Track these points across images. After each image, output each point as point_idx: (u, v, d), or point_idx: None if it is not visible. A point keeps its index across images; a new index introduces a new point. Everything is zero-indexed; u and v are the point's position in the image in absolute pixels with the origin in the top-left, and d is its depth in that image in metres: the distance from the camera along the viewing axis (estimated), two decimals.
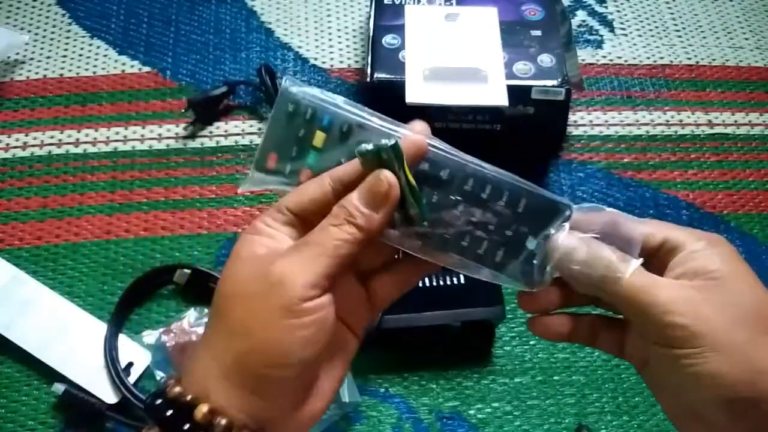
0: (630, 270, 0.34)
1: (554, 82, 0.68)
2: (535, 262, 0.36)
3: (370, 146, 0.33)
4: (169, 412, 0.32)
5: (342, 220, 0.33)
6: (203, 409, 0.32)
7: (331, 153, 0.36)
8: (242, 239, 0.35)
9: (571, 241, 0.35)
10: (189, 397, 0.32)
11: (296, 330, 0.32)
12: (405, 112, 0.67)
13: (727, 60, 0.81)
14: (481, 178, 0.37)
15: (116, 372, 0.58)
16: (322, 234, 0.34)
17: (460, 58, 0.69)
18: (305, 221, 0.35)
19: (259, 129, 0.74)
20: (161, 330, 0.60)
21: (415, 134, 0.35)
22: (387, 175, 0.34)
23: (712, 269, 0.34)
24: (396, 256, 0.38)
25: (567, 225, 0.36)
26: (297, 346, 0.32)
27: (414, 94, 0.66)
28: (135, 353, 0.60)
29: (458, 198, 0.36)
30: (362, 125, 0.36)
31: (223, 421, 0.32)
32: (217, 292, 0.35)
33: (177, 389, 0.33)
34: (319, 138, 0.36)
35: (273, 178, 0.37)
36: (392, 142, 0.33)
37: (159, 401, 0.33)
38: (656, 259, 0.36)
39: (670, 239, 0.35)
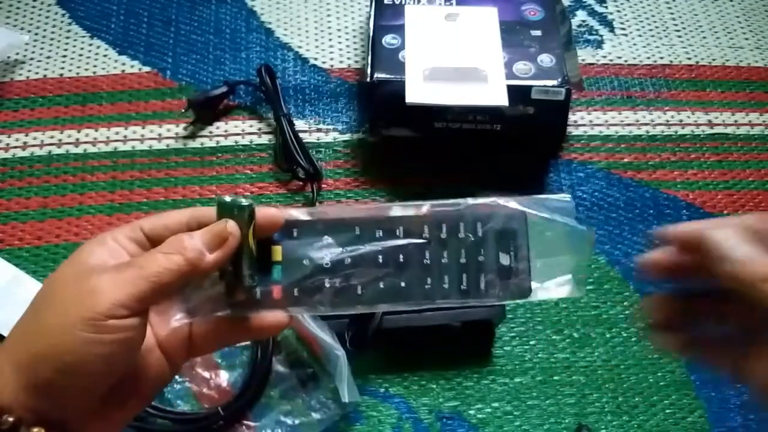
0: None
1: (554, 82, 0.68)
2: (515, 276, 0.37)
3: (228, 198, 0.36)
4: None
5: (172, 250, 0.34)
6: (7, 418, 0.32)
7: (293, 259, 0.37)
8: (83, 245, 0.36)
9: (732, 236, 0.35)
10: None
11: (94, 345, 0.32)
12: (405, 112, 0.68)
13: (727, 60, 0.81)
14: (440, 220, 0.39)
15: None
16: (148, 259, 0.34)
17: (460, 58, 0.69)
18: (153, 244, 0.36)
19: (259, 129, 0.74)
20: None
21: (274, 209, 0.37)
22: (232, 225, 0.35)
23: None
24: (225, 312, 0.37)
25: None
26: (92, 360, 0.32)
27: (414, 94, 0.66)
28: None
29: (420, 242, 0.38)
30: (308, 222, 0.38)
31: (11, 419, 0.32)
32: (41, 286, 0.36)
33: None
34: (277, 253, 0.37)
35: (246, 311, 0.37)
36: (248, 203, 0.36)
37: None
38: None
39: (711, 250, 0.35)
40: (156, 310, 0.37)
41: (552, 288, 0.38)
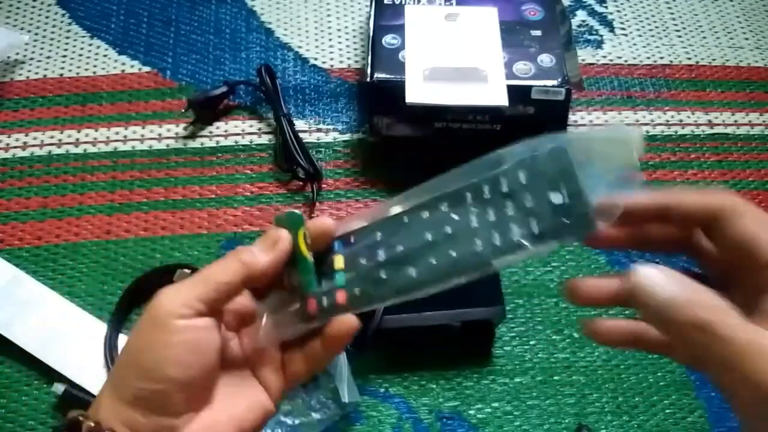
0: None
1: (554, 82, 0.68)
2: (571, 212, 0.34)
3: (281, 213, 0.38)
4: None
5: (231, 257, 0.37)
6: (89, 423, 0.34)
7: (353, 262, 0.38)
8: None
9: (661, 278, 0.31)
10: (81, 416, 0.35)
11: (164, 347, 0.34)
12: (405, 112, 0.68)
13: (727, 60, 0.81)
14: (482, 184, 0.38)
15: None
16: (208, 267, 0.37)
17: (460, 58, 0.69)
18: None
19: (259, 129, 0.74)
20: None
21: (327, 218, 0.39)
22: (282, 231, 0.38)
23: None
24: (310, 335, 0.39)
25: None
26: (165, 362, 0.34)
27: (414, 94, 0.66)
28: None
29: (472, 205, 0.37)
30: (362, 227, 0.39)
31: None
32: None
33: (76, 412, 0.35)
34: (339, 261, 0.39)
35: (317, 322, 0.38)
36: (296, 212, 0.38)
37: (62, 427, 0.36)
38: (752, 274, 0.32)
39: (730, 210, 0.32)
40: (247, 338, 0.39)
41: (612, 196, 0.35)
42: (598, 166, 0.36)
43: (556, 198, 0.35)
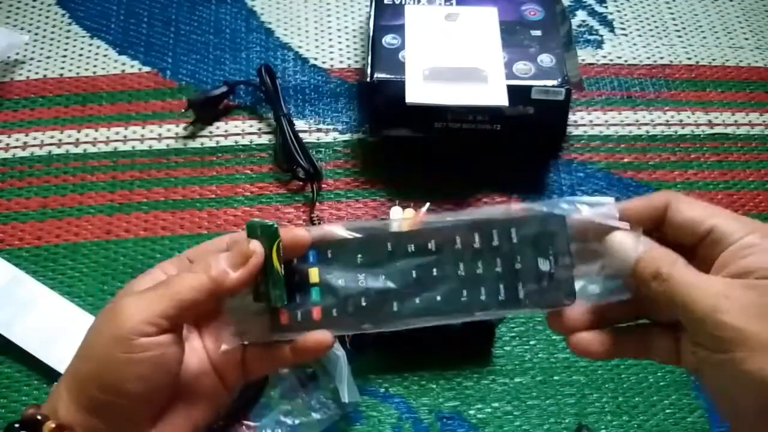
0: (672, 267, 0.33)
1: (554, 82, 0.68)
2: (555, 279, 0.36)
3: (254, 219, 0.37)
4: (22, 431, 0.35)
5: (198, 269, 0.36)
6: (51, 425, 0.34)
7: (330, 279, 0.38)
8: (137, 276, 0.38)
9: (630, 239, 0.35)
10: (39, 416, 0.35)
11: (128, 363, 0.34)
12: (405, 112, 0.68)
13: (727, 60, 0.81)
14: (470, 228, 0.37)
15: None
16: (175, 278, 0.36)
17: (460, 58, 0.69)
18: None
19: (259, 129, 0.74)
20: None
21: (299, 229, 0.37)
22: (255, 244, 0.36)
23: (766, 267, 0.32)
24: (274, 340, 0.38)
25: (616, 219, 0.35)
26: (128, 379, 0.34)
27: (414, 94, 0.66)
28: None
29: (446, 256, 0.37)
30: (341, 242, 0.38)
31: None
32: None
33: (31, 410, 0.35)
34: (314, 275, 0.38)
35: (289, 334, 0.38)
36: (271, 223, 0.36)
37: (17, 424, 0.35)
38: (702, 247, 0.34)
39: (719, 228, 0.34)
40: (211, 335, 0.39)
41: (597, 292, 0.36)
42: (591, 253, 0.36)
43: (544, 265, 0.36)
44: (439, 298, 0.36)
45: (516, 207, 0.37)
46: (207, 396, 0.38)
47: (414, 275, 0.37)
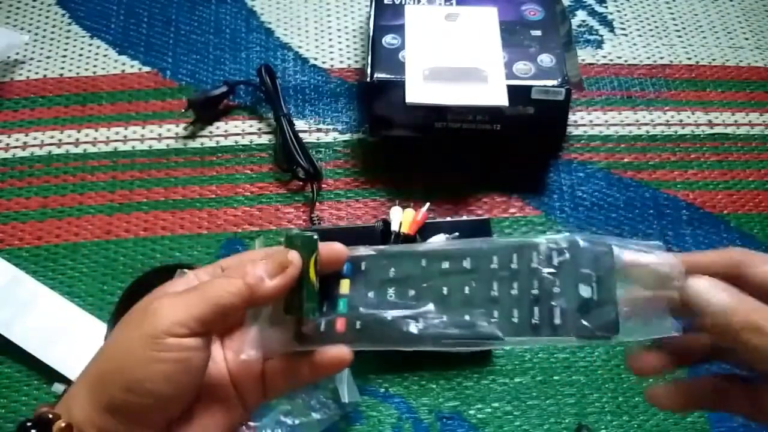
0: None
1: (554, 82, 0.68)
2: (596, 308, 0.33)
3: (294, 231, 0.36)
4: (33, 430, 0.34)
5: (235, 275, 0.35)
6: (60, 424, 0.33)
7: (360, 292, 0.37)
8: (170, 281, 0.38)
9: (713, 286, 0.34)
10: (51, 415, 0.34)
11: (155, 362, 0.33)
12: (405, 112, 0.68)
13: (727, 60, 0.81)
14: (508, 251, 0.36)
15: None
16: (211, 283, 0.35)
17: (460, 58, 0.69)
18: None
19: (259, 129, 0.74)
20: None
21: (337, 243, 0.37)
22: (293, 255, 0.36)
23: None
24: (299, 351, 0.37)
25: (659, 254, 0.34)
26: (152, 378, 0.33)
27: (414, 94, 0.66)
28: None
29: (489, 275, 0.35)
30: (376, 255, 0.37)
31: None
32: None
33: (44, 408, 0.34)
34: (344, 286, 0.37)
35: (309, 345, 0.37)
36: (311, 235, 0.36)
37: (29, 422, 0.34)
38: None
39: (750, 259, 0.34)
40: (231, 348, 0.38)
41: (641, 327, 0.33)
42: (635, 286, 0.34)
43: (585, 291, 0.33)
44: (468, 318, 0.35)
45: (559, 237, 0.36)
46: (223, 409, 0.37)
47: (445, 292, 0.36)
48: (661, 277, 0.33)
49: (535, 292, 0.34)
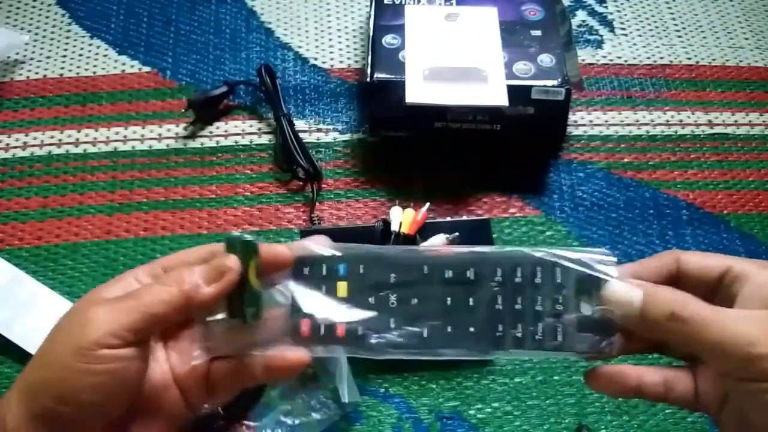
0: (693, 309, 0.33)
1: (554, 82, 0.68)
2: (594, 325, 0.35)
3: (235, 233, 0.35)
4: None
5: (170, 282, 0.34)
6: None
7: (359, 296, 0.36)
8: (108, 281, 0.36)
9: (625, 286, 0.35)
10: None
11: (86, 374, 0.32)
12: (405, 112, 0.68)
13: (727, 60, 0.81)
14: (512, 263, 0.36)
15: None
16: (145, 290, 0.34)
17: (460, 58, 0.69)
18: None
19: (259, 129, 0.74)
20: None
21: (280, 246, 0.36)
22: (232, 260, 0.35)
23: None
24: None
25: (615, 270, 0.35)
26: (85, 390, 0.32)
27: (414, 94, 0.66)
28: None
29: (492, 286, 0.36)
30: (376, 257, 0.37)
31: None
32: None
33: None
34: (341, 288, 0.37)
35: (313, 348, 0.36)
36: (250, 239, 0.35)
37: None
38: (720, 292, 0.35)
39: (734, 269, 0.35)
40: (177, 348, 0.37)
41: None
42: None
43: (586, 309, 0.35)
44: (472, 329, 0.35)
45: (558, 252, 0.36)
46: (167, 412, 0.36)
47: (449, 302, 0.35)
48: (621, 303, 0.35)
49: (539, 308, 0.35)
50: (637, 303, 0.34)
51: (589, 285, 0.35)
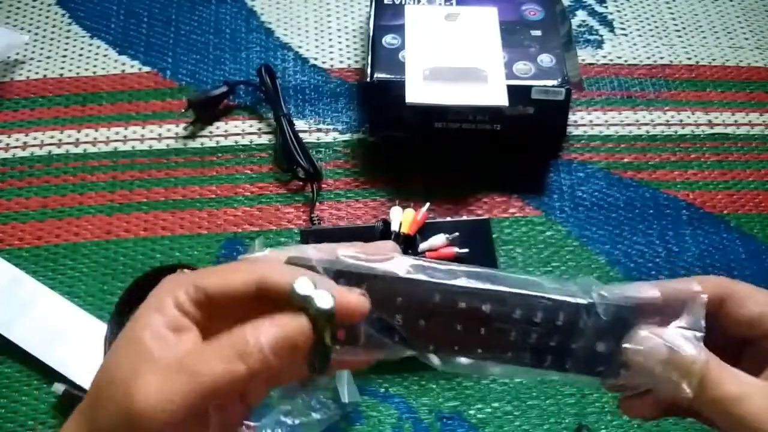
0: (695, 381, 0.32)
1: (554, 82, 0.68)
2: (605, 362, 0.34)
3: (305, 291, 0.30)
4: None
5: (233, 352, 0.29)
6: None
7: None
8: (142, 309, 0.32)
9: (647, 344, 0.33)
10: None
11: None
12: (405, 112, 0.68)
13: (727, 60, 0.81)
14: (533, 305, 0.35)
15: None
16: (204, 363, 0.30)
17: (460, 58, 0.69)
18: (216, 312, 0.32)
19: (259, 129, 0.74)
20: None
21: (357, 298, 0.32)
22: (306, 330, 0.30)
23: None
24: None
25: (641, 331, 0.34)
26: None
27: (414, 94, 0.66)
28: None
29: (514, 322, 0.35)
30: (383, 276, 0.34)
31: None
32: (99, 369, 0.33)
33: None
34: None
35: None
36: (329, 307, 0.30)
37: None
38: (757, 346, 0.34)
39: (736, 294, 0.34)
40: None
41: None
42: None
43: (600, 346, 0.34)
44: (480, 351, 0.35)
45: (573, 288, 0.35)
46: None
47: (459, 329, 0.35)
48: (674, 366, 0.33)
49: (552, 344, 0.35)
50: (657, 361, 0.32)
51: (612, 329, 0.34)
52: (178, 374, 0.29)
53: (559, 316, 0.34)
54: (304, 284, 0.31)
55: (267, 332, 0.30)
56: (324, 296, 0.30)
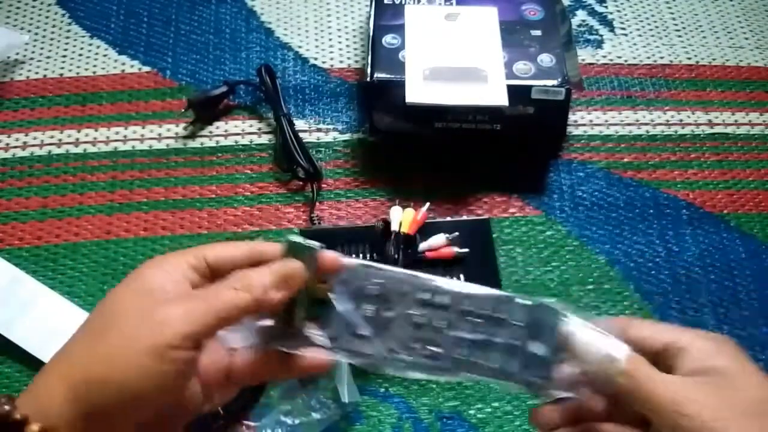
0: (625, 355, 0.36)
1: (554, 82, 0.68)
2: (543, 363, 0.37)
3: (298, 238, 0.37)
4: None
5: (240, 286, 0.35)
6: (34, 428, 0.31)
7: (339, 303, 0.38)
8: (142, 268, 0.36)
9: (577, 327, 0.37)
10: (19, 416, 0.31)
11: (155, 374, 0.32)
12: (405, 112, 0.68)
13: (727, 60, 0.81)
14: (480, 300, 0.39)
15: None
16: (216, 293, 0.34)
17: (460, 58, 0.69)
18: (214, 274, 0.37)
19: (259, 129, 0.74)
20: None
21: (333, 254, 0.38)
22: (299, 268, 0.36)
23: (720, 366, 0.35)
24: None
25: (570, 318, 0.37)
26: (148, 389, 0.32)
27: (414, 94, 0.66)
28: None
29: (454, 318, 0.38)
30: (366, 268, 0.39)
31: None
32: (98, 306, 0.35)
33: (6, 407, 0.32)
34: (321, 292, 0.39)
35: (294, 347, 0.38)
36: (317, 247, 0.37)
37: None
38: (662, 362, 0.37)
39: (676, 342, 0.37)
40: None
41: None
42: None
43: (537, 349, 0.37)
44: (440, 350, 0.37)
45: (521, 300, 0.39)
46: (185, 405, 0.36)
47: (419, 322, 0.38)
48: (601, 361, 0.36)
49: (499, 340, 0.37)
50: (599, 357, 0.36)
51: (540, 327, 0.37)
52: (196, 303, 0.34)
53: (502, 311, 0.38)
54: (296, 237, 0.37)
55: (266, 270, 0.36)
56: (312, 242, 0.37)
